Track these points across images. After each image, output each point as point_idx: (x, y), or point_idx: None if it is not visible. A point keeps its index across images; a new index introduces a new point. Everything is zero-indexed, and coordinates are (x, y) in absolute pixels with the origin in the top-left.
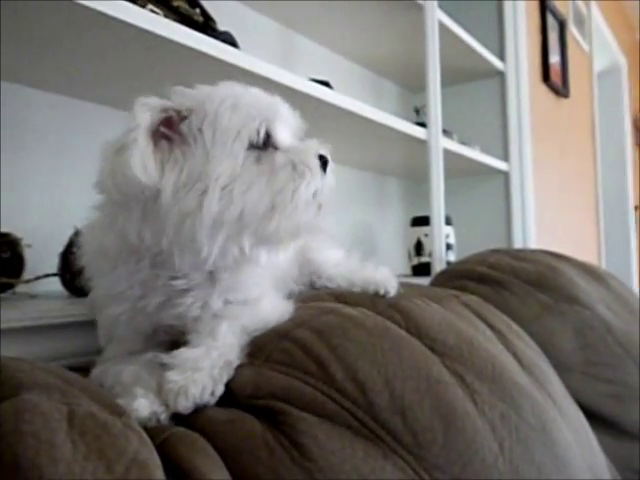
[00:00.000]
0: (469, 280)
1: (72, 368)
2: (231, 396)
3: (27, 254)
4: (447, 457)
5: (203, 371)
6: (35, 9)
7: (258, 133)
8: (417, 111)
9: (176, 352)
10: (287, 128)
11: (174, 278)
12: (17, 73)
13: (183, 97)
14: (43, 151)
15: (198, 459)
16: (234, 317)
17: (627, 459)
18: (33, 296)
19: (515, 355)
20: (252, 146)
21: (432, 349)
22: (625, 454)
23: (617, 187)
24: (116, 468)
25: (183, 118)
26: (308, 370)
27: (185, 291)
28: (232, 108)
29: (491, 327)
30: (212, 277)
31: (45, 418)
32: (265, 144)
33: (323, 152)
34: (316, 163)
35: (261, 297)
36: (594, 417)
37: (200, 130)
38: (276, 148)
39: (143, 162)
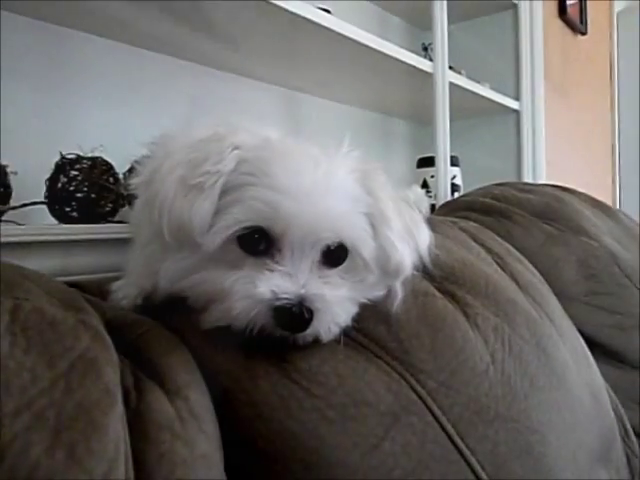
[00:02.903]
0: (471, 211)
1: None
2: None
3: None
4: (434, 363)
5: None
6: None
7: None
8: (425, 48)
9: None
10: None
11: None
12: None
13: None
14: None
15: (168, 357)
16: None
17: (629, 389)
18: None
19: (512, 276)
20: None
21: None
22: (627, 384)
23: (634, 130)
24: (58, 364)
25: None
26: None
27: None
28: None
29: (488, 250)
30: None
31: None
32: None
33: None
34: None
35: None
36: (596, 347)
37: None
38: None
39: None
